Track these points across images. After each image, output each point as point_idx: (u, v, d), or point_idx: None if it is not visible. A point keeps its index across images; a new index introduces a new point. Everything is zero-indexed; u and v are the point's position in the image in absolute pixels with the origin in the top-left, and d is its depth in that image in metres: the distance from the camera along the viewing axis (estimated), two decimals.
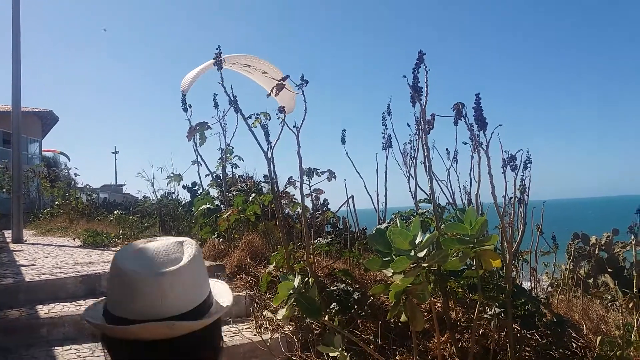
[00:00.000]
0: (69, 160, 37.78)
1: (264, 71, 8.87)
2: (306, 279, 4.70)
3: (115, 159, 53.21)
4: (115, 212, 13.36)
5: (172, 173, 9.46)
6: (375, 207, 6.86)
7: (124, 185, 34.99)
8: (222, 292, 1.44)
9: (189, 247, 1.32)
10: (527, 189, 5.00)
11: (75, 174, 21.48)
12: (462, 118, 5.14)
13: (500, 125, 4.55)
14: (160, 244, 1.33)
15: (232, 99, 6.14)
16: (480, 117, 4.60)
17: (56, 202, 16.82)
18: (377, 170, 6.71)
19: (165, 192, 10.78)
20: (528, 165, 5.76)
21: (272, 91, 5.41)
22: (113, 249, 9.23)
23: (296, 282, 3.65)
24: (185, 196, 11.05)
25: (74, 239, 10.93)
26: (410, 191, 6.41)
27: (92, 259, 7.58)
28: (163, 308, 1.20)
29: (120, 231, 10.67)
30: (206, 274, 1.37)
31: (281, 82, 5.55)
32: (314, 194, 5.88)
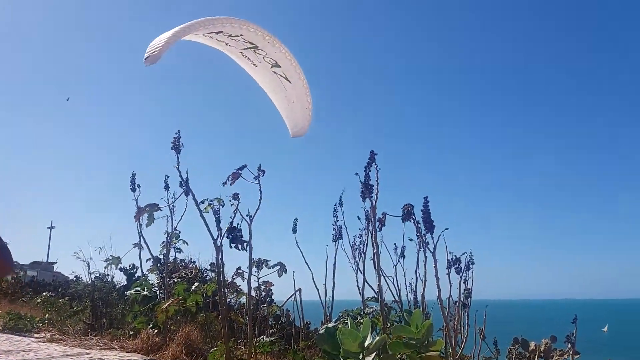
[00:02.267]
0: None
1: (250, 44, 6.03)
2: None
3: (50, 235, 50.08)
4: (45, 293, 12.36)
5: (110, 255, 8.99)
6: (322, 302, 6.73)
7: (55, 263, 32.72)
8: None
9: None
10: (470, 293, 5.11)
11: None
12: (410, 219, 5.33)
13: (446, 229, 4.76)
14: None
15: (185, 182, 6.11)
16: (427, 220, 4.79)
17: None
18: (326, 262, 6.69)
19: (100, 275, 10.14)
20: (471, 266, 5.96)
21: (227, 180, 5.43)
22: (36, 335, 8.41)
23: None
24: (122, 280, 10.43)
25: None
26: (358, 286, 6.39)
27: (10, 346, 6.87)
28: None
29: (47, 315, 9.81)
30: None
31: (238, 171, 5.61)
32: (262, 287, 5.74)
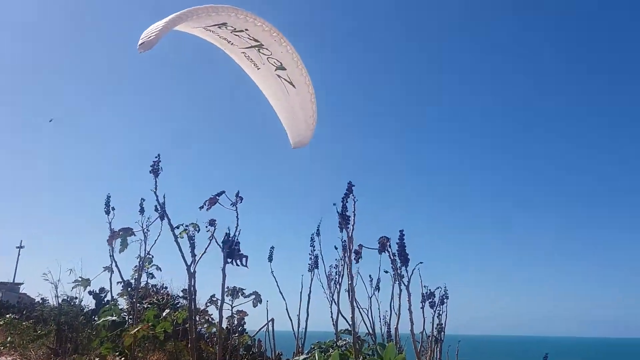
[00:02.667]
0: None
1: (254, 41, 5.33)
2: None
3: (19, 255, 48.36)
4: (8, 315, 11.88)
5: (80, 277, 8.73)
6: (294, 333, 6.65)
7: (22, 284, 31.58)
8: None
9: None
10: (443, 328, 5.13)
11: None
12: (386, 251, 5.36)
13: (420, 262, 4.81)
14: None
15: (161, 206, 6.03)
16: (402, 253, 4.82)
17: None
18: (301, 292, 6.65)
19: (67, 297, 9.82)
20: (445, 300, 5.99)
21: (204, 206, 5.39)
22: None
23: None
24: (90, 303, 10.11)
25: None
26: (332, 317, 6.34)
27: None
28: None
29: (9, 338, 9.41)
30: None
31: (215, 197, 5.58)
32: (236, 316, 5.64)
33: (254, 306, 5.45)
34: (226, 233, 5.61)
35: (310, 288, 6.55)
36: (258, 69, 5.59)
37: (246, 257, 5.63)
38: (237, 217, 5.29)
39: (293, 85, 5.75)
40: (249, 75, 5.86)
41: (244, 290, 5.48)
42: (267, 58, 5.38)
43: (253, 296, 5.51)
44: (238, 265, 5.67)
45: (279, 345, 7.36)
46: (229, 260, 5.57)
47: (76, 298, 9.99)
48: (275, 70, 5.52)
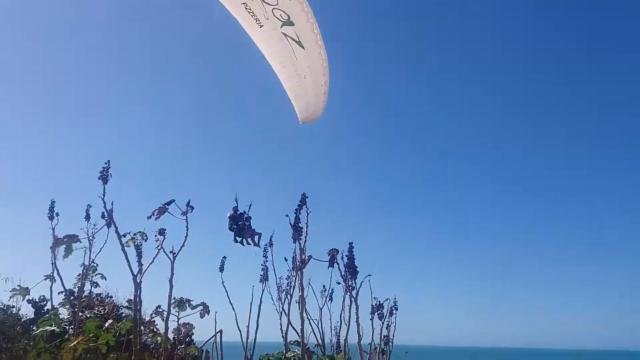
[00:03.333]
0: None
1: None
2: None
3: None
4: None
5: (18, 286, 8.30)
6: (243, 344, 6.59)
7: None
8: None
9: None
10: (390, 340, 5.23)
11: None
12: (335, 264, 5.41)
13: (369, 275, 4.90)
14: None
15: (109, 214, 5.85)
16: (351, 265, 4.88)
17: None
18: (251, 303, 6.61)
19: (4, 306, 9.29)
20: (394, 312, 6.10)
21: (152, 215, 5.26)
22: None
23: None
24: (29, 312, 9.60)
25: None
26: (281, 328, 6.32)
27: None
28: None
29: None
30: None
31: (165, 206, 5.46)
32: (182, 328, 5.51)
33: (201, 317, 5.35)
34: (234, 207, 5.28)
35: (260, 299, 6.52)
36: (260, 25, 4.58)
37: (259, 234, 5.21)
38: (187, 226, 5.21)
39: (302, 46, 4.86)
40: (250, 34, 4.82)
41: (191, 302, 5.37)
42: (272, 10, 4.39)
43: (201, 307, 5.40)
44: (249, 245, 5.24)
45: (227, 356, 7.25)
46: (238, 239, 5.19)
47: (14, 307, 9.47)
48: (282, 26, 4.51)
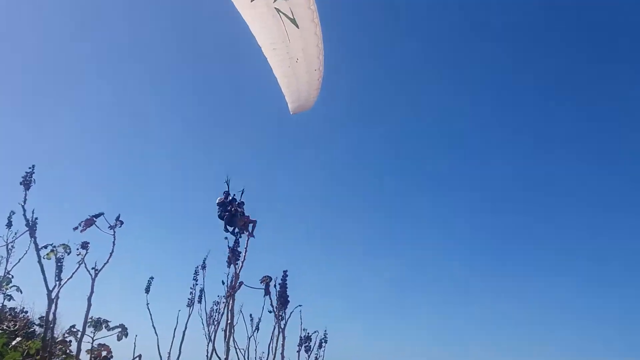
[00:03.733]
0: None
1: None
2: None
3: None
4: None
5: None
6: None
7: None
8: None
9: None
10: None
11: None
12: (269, 292, 5.30)
13: (299, 305, 4.81)
14: None
15: (30, 222, 5.48)
16: (283, 294, 4.78)
17: None
18: (175, 329, 6.32)
19: None
20: (323, 344, 6.01)
21: (78, 226, 4.97)
22: None
23: None
24: None
25: None
26: (207, 356, 6.07)
27: None
28: None
29: None
30: None
31: (93, 218, 5.19)
32: (96, 350, 5.15)
33: (119, 339, 5.03)
34: (224, 192, 4.91)
35: (186, 324, 6.26)
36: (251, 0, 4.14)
37: (254, 222, 4.81)
38: (113, 242, 4.95)
39: (296, 24, 4.46)
40: (240, 12, 4.39)
41: (109, 322, 5.05)
42: None
43: (119, 329, 5.09)
44: (241, 234, 4.86)
45: None
46: (229, 228, 4.82)
47: None
48: (275, 1, 4.13)
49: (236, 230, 5.12)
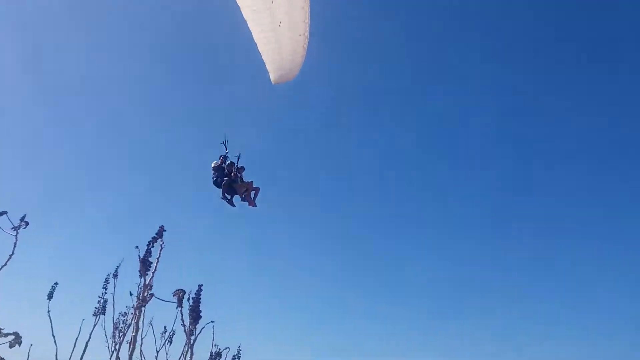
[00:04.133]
0: None
1: None
2: None
3: None
4: None
5: None
6: None
7: None
8: None
9: None
10: None
11: None
12: (182, 306, 5.15)
13: (212, 321, 4.72)
14: None
15: None
16: (195, 309, 4.67)
17: None
18: (76, 339, 5.97)
19: None
20: None
21: None
22: None
23: None
24: None
25: None
26: None
27: None
28: None
29: None
30: None
31: None
32: None
33: (11, 347, 4.66)
34: (221, 156, 4.43)
35: (90, 335, 5.93)
36: None
37: (257, 189, 4.39)
38: (14, 243, 4.61)
39: None
40: None
41: (1, 329, 4.67)
42: None
43: (12, 337, 4.72)
44: (242, 201, 4.42)
45: None
46: (228, 196, 4.34)
47: None
48: None
49: (237, 197, 4.67)
